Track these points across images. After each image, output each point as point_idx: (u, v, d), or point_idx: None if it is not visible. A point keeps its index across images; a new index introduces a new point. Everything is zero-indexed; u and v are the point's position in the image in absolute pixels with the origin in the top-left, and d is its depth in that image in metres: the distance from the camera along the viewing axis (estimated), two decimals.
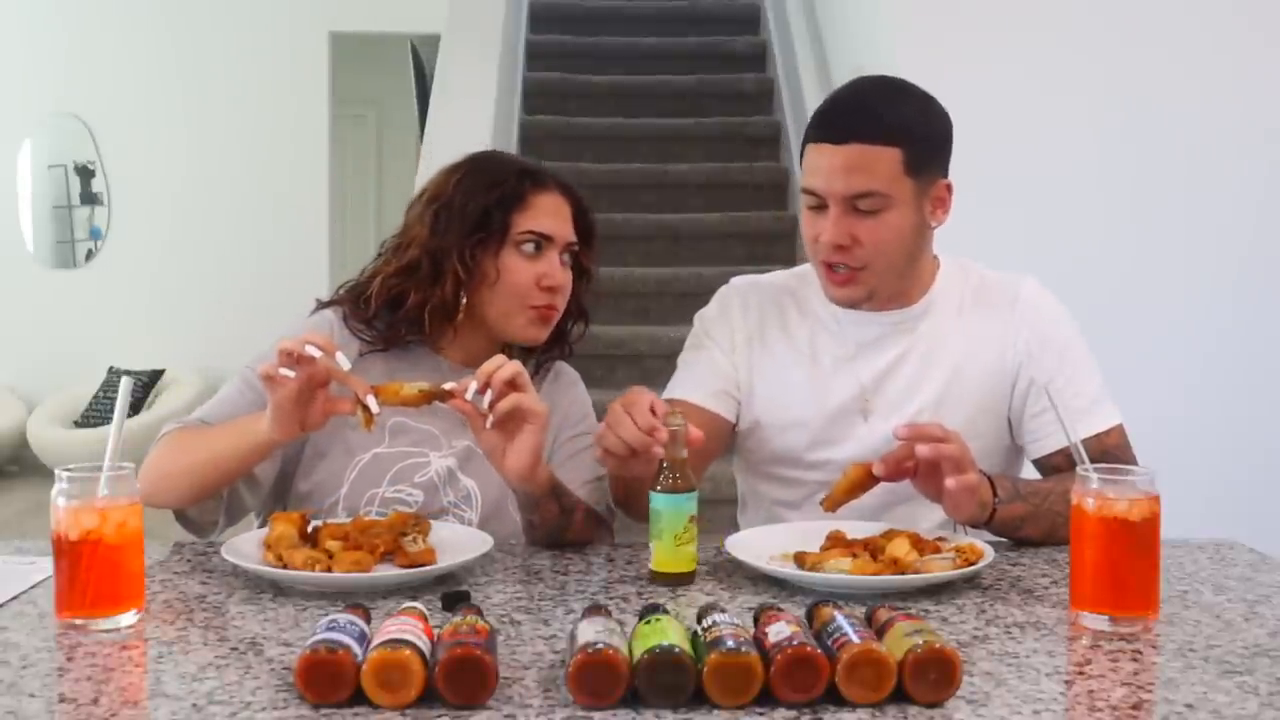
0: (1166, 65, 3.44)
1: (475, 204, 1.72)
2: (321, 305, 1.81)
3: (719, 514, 2.01)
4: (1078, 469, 1.31)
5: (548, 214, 1.74)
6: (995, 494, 1.54)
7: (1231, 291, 3.44)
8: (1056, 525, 1.57)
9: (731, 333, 1.80)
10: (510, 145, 5.07)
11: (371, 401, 1.47)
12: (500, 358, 1.51)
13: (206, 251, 7.01)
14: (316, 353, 1.46)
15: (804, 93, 4.88)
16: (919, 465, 1.50)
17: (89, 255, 7.45)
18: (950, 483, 1.46)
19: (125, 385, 1.40)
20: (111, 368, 6.91)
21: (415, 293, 1.72)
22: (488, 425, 1.49)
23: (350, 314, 1.77)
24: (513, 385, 1.49)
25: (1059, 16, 3.47)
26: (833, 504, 1.54)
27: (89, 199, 7.44)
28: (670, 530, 1.41)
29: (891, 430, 1.54)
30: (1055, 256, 3.31)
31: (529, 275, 1.71)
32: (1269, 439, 3.35)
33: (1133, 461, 1.66)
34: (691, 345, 1.85)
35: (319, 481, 1.70)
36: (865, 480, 1.53)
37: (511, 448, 1.51)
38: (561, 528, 1.62)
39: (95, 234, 7.44)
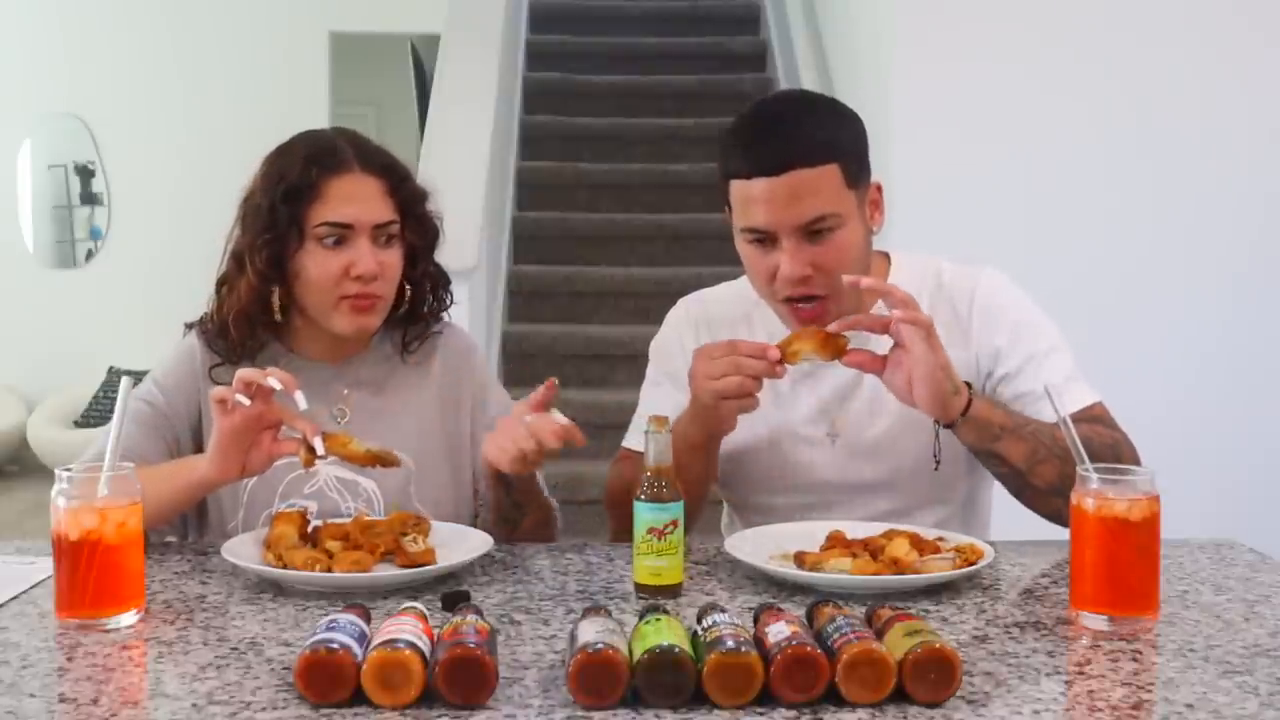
0: (1168, 66, 3.45)
1: (265, 202, 1.66)
2: (189, 327, 1.77)
3: (719, 514, 2.01)
4: (1078, 469, 1.31)
5: (346, 200, 1.64)
6: (970, 389, 1.52)
7: (1232, 292, 3.44)
8: (1037, 452, 1.53)
9: (686, 362, 1.67)
10: (510, 145, 5.08)
11: (318, 443, 1.46)
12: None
13: (206, 251, 6.98)
14: (276, 385, 1.45)
15: None
16: (888, 359, 1.48)
17: (89, 255, 7.46)
18: (919, 348, 1.43)
19: (125, 385, 1.40)
20: (111, 368, 6.92)
21: (230, 298, 1.69)
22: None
23: (201, 331, 1.74)
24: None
25: (1060, 17, 3.47)
26: (787, 356, 1.51)
27: (89, 199, 7.44)
28: (652, 540, 1.36)
29: (866, 446, 1.52)
30: (1056, 257, 3.32)
31: (335, 268, 1.64)
32: (1269, 439, 3.36)
33: (1122, 432, 1.62)
34: (649, 382, 1.82)
35: (217, 507, 1.70)
36: (824, 345, 1.50)
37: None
38: (512, 520, 1.66)
39: (95, 234, 7.44)
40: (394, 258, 1.69)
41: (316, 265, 1.65)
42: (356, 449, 1.50)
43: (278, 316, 1.69)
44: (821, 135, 1.58)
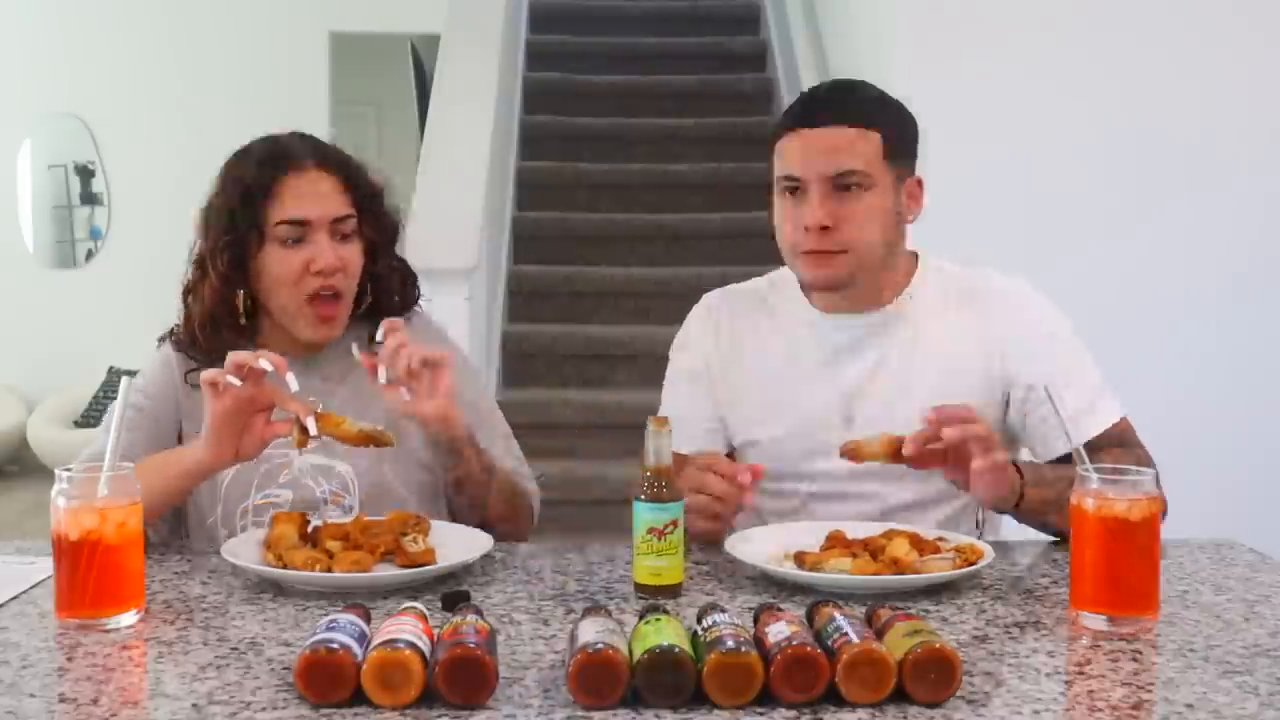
0: (1168, 66, 3.45)
1: (223, 205, 1.69)
2: (161, 341, 1.78)
3: None
4: (1078, 469, 1.31)
5: (301, 197, 1.67)
6: (1022, 477, 1.53)
7: (1232, 292, 3.44)
8: None
9: (706, 358, 1.78)
10: (510, 145, 5.07)
11: (311, 423, 1.46)
12: (393, 339, 1.55)
13: None
14: (268, 367, 1.46)
15: None
16: (949, 453, 1.48)
17: (89, 255, 7.46)
18: (978, 463, 1.45)
19: (125, 385, 1.40)
20: (111, 368, 6.91)
21: (195, 304, 1.71)
22: (404, 395, 1.54)
23: (174, 343, 1.75)
24: (425, 362, 1.54)
25: (1059, 17, 3.47)
26: (855, 458, 1.53)
27: (89, 199, 7.44)
28: (652, 540, 1.36)
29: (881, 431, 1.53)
30: (1056, 257, 3.32)
31: (295, 265, 1.66)
32: (1269, 439, 3.35)
33: (1143, 450, 1.64)
34: (665, 382, 1.84)
35: (195, 504, 1.70)
36: (893, 453, 1.51)
37: (423, 397, 1.55)
38: (483, 486, 1.65)
39: (95, 234, 7.44)
40: (354, 253, 1.71)
41: (277, 264, 1.67)
42: (349, 429, 1.50)
43: (243, 320, 1.70)
44: (870, 105, 1.67)
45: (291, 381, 1.47)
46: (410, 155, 5.53)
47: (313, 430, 1.47)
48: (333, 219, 1.68)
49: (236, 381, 1.45)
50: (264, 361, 1.46)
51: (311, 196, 1.68)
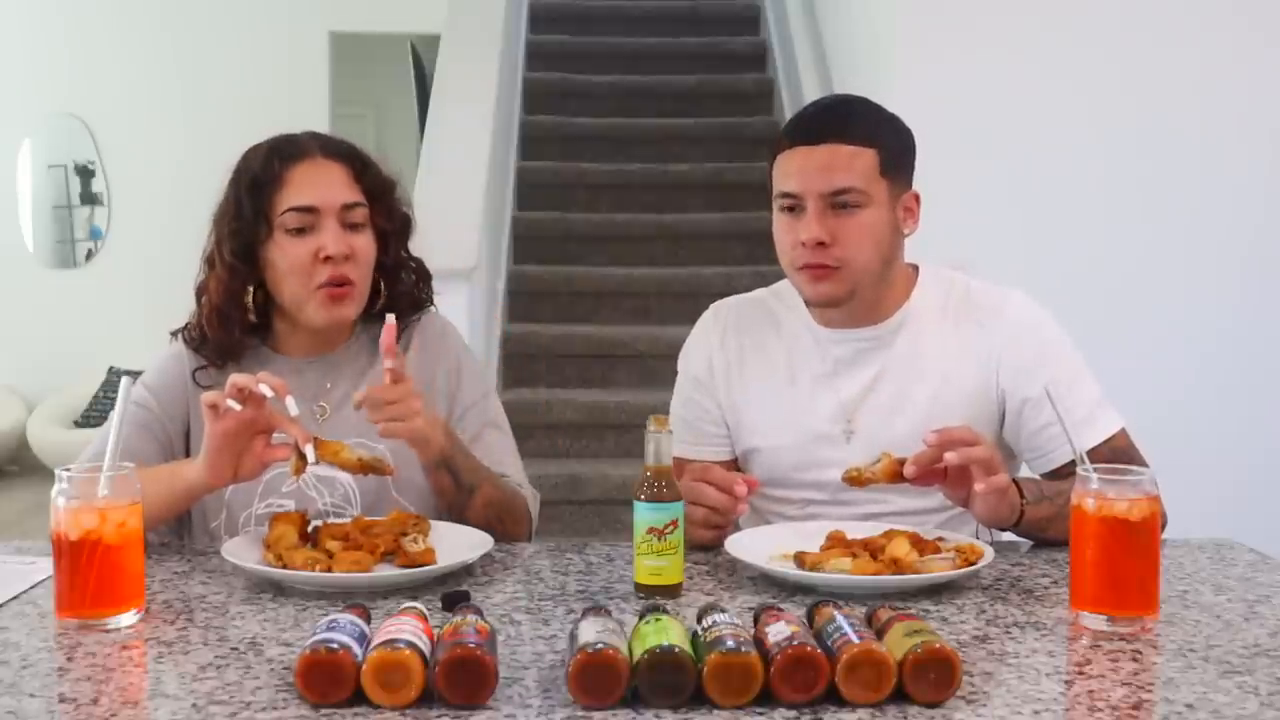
0: (1168, 65, 3.45)
1: (230, 197, 1.69)
2: (174, 335, 1.78)
3: None
4: (1078, 469, 1.31)
5: (308, 185, 1.67)
6: (1022, 496, 1.54)
7: (1232, 292, 3.44)
8: None
9: (710, 365, 1.79)
10: (510, 145, 5.08)
11: (309, 451, 1.46)
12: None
13: None
14: (268, 392, 1.45)
15: (804, 93, 4.88)
16: (949, 471, 1.49)
17: (89, 255, 7.46)
18: (980, 486, 1.45)
19: (125, 385, 1.40)
20: (111, 368, 6.91)
21: (205, 300, 1.71)
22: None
23: (186, 339, 1.75)
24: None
25: (1059, 17, 3.47)
26: (857, 484, 1.53)
27: (89, 199, 7.44)
28: (652, 540, 1.36)
29: (882, 448, 1.54)
30: (1056, 256, 3.32)
31: (304, 253, 1.65)
32: (1269, 439, 3.36)
33: (1142, 463, 1.65)
34: (678, 393, 1.85)
35: (199, 508, 1.69)
36: (894, 476, 1.51)
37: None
38: (459, 505, 1.63)
39: (95, 234, 7.44)
40: (365, 242, 1.69)
41: (285, 255, 1.66)
42: (349, 457, 1.50)
43: (252, 315, 1.69)
44: (866, 122, 1.68)
45: (291, 406, 1.46)
46: (410, 155, 5.52)
47: (311, 458, 1.46)
48: (341, 205, 1.67)
49: (236, 406, 1.45)
50: (264, 387, 1.45)
51: (319, 184, 1.67)
